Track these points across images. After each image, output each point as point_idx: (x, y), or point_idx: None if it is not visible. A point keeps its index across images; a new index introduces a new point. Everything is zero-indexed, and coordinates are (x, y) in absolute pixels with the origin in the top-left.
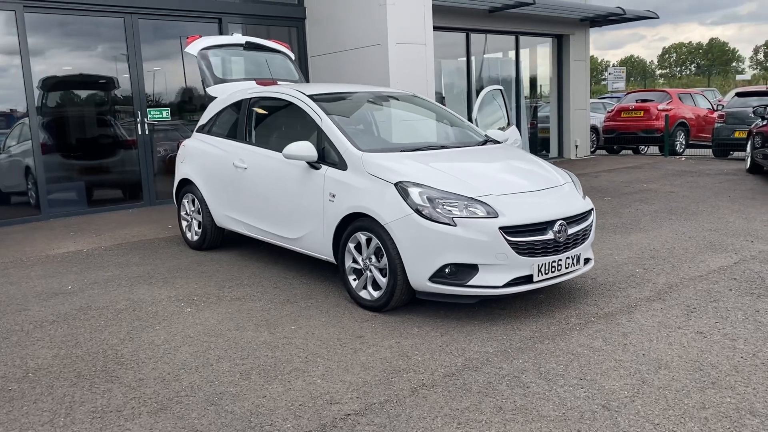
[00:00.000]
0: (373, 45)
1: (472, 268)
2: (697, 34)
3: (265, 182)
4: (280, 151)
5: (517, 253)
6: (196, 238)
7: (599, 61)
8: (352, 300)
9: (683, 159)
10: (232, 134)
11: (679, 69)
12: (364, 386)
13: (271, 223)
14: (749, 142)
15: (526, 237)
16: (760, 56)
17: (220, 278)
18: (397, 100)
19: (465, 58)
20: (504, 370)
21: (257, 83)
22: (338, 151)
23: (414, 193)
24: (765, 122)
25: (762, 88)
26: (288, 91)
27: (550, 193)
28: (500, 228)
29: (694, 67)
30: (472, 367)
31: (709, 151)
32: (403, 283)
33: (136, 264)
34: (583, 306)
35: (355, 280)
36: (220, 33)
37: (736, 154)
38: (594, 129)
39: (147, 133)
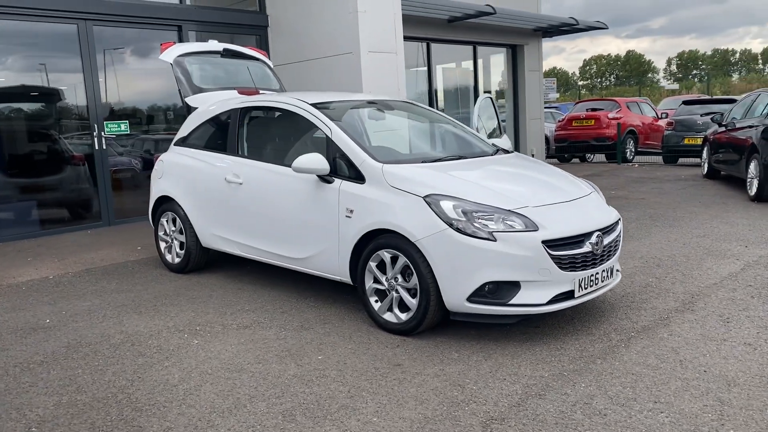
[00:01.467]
0: (344, 54)
1: (513, 286)
2: (614, 46)
3: (264, 198)
4: (282, 164)
5: (560, 267)
6: (177, 260)
7: None
8: (373, 323)
9: (636, 166)
10: (221, 147)
11: (599, 80)
12: (429, 423)
13: (271, 243)
14: (705, 149)
15: (566, 250)
16: (673, 68)
17: (217, 304)
18: (400, 108)
19: (426, 68)
20: (571, 397)
21: (239, 92)
22: (353, 164)
23: (447, 206)
24: (722, 129)
25: (706, 96)
26: (287, 99)
27: (580, 203)
28: (543, 242)
29: (614, 78)
30: (535, 394)
31: (657, 158)
32: (437, 304)
33: (115, 291)
34: (616, 320)
35: (377, 302)
36: (180, 41)
37: (684, 160)
38: (545, 138)
39: (104, 147)
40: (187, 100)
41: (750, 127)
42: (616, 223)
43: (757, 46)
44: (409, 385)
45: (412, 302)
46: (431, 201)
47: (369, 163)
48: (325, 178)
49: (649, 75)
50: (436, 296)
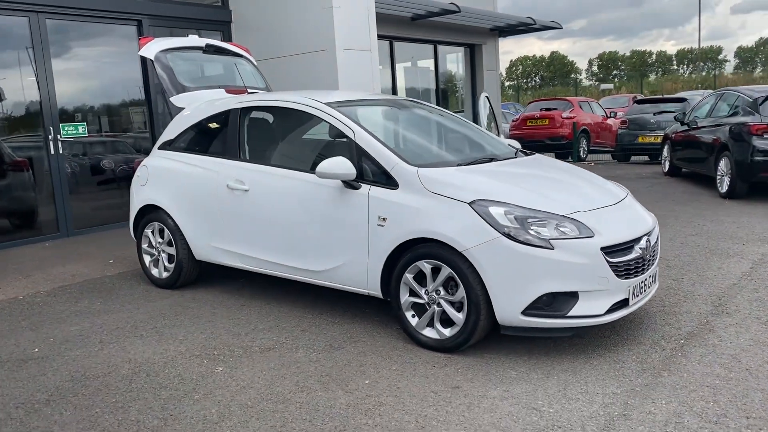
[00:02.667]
0: (318, 51)
1: (570, 297)
2: (537, 47)
3: (276, 207)
4: (297, 169)
5: (616, 275)
6: (166, 275)
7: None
8: (408, 339)
9: (592, 164)
10: (218, 150)
11: (525, 81)
12: None
13: (284, 255)
14: (665, 147)
15: (620, 257)
16: (595, 68)
17: (226, 324)
18: (413, 108)
19: (390, 67)
20: (658, 416)
21: (227, 91)
22: (383, 168)
23: (497, 212)
24: (684, 128)
25: (658, 96)
26: (298, 99)
27: (623, 207)
28: (601, 248)
29: (539, 78)
30: (619, 414)
31: (607, 156)
32: (486, 318)
33: (103, 312)
34: (657, 326)
35: (414, 316)
36: (139, 36)
37: (636, 158)
38: None
39: (61, 152)
40: (171, 99)
41: (718, 126)
42: (655, 226)
43: (670, 48)
44: (479, 411)
45: (458, 317)
46: (479, 207)
47: (402, 167)
48: (351, 184)
49: (572, 75)
50: (487, 310)
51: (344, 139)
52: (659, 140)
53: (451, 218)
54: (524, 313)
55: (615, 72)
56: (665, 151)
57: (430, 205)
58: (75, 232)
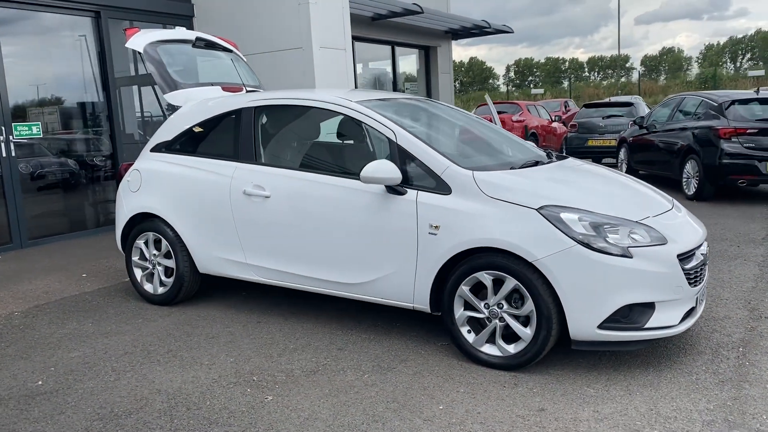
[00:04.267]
0: (293, 48)
1: (647, 308)
2: (456, 54)
3: (303, 214)
4: (328, 173)
5: (689, 283)
6: (162, 290)
7: None
8: (462, 356)
9: None
10: (228, 153)
11: None
12: None
13: (312, 266)
14: (622, 150)
15: (689, 264)
16: (512, 74)
17: (250, 344)
18: (435, 108)
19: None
20: None
21: (223, 89)
22: (432, 171)
23: (570, 219)
24: (644, 131)
25: (605, 100)
26: (326, 97)
27: (677, 212)
28: (677, 256)
29: (458, 83)
30: None
31: None
32: (557, 333)
33: (99, 334)
34: (705, 333)
35: (469, 332)
36: (98, 29)
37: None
38: None
39: (13, 154)
40: (166, 97)
41: (683, 129)
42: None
43: (580, 55)
44: None
45: (525, 332)
46: (548, 213)
47: (455, 170)
48: (395, 189)
49: (491, 81)
50: (559, 324)
51: (379, 140)
52: (609, 143)
53: (516, 226)
54: (601, 326)
55: (530, 78)
56: (622, 154)
57: (490, 211)
58: (30, 243)
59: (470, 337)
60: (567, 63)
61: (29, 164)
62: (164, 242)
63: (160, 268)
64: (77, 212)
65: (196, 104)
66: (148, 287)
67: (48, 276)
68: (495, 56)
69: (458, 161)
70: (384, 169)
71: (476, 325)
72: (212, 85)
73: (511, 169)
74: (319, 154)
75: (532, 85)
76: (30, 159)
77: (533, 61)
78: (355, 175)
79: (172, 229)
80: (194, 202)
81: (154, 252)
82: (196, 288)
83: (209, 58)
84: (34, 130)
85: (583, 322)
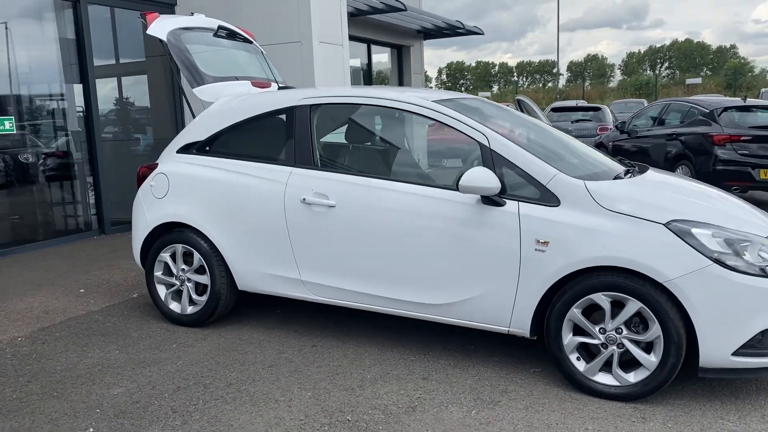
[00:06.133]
0: (291, 42)
1: None
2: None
3: (378, 227)
4: (407, 182)
5: None
6: (193, 309)
7: None
8: (569, 386)
9: None
10: (279, 156)
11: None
12: None
13: (387, 285)
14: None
15: None
16: (444, 77)
17: (318, 373)
18: (496, 108)
19: None
20: None
21: (253, 84)
22: (536, 180)
23: (704, 235)
24: (624, 136)
25: (573, 104)
26: (400, 96)
27: None
28: None
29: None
30: None
31: None
32: (683, 360)
33: (134, 364)
34: None
35: (579, 359)
36: (76, 18)
37: None
38: None
39: None
40: (195, 92)
41: (673, 135)
42: None
43: (508, 60)
44: None
45: (650, 360)
46: (678, 228)
47: (563, 179)
48: (493, 200)
49: (424, 83)
50: (686, 350)
51: (467, 145)
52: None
53: (642, 242)
54: (736, 353)
55: (462, 81)
56: None
57: (610, 226)
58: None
59: (580, 365)
60: (497, 67)
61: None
62: (197, 255)
63: (190, 285)
64: (45, 219)
65: (232, 101)
66: (174, 306)
67: (39, 292)
68: (426, 59)
69: (564, 169)
70: (483, 177)
71: (584, 351)
72: (243, 79)
73: (615, 179)
74: (391, 159)
75: (463, 89)
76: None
77: (464, 65)
78: (438, 181)
79: (208, 240)
80: (237, 211)
81: (183, 267)
82: (231, 307)
83: (233, 49)
84: (8, 125)
85: (718, 348)
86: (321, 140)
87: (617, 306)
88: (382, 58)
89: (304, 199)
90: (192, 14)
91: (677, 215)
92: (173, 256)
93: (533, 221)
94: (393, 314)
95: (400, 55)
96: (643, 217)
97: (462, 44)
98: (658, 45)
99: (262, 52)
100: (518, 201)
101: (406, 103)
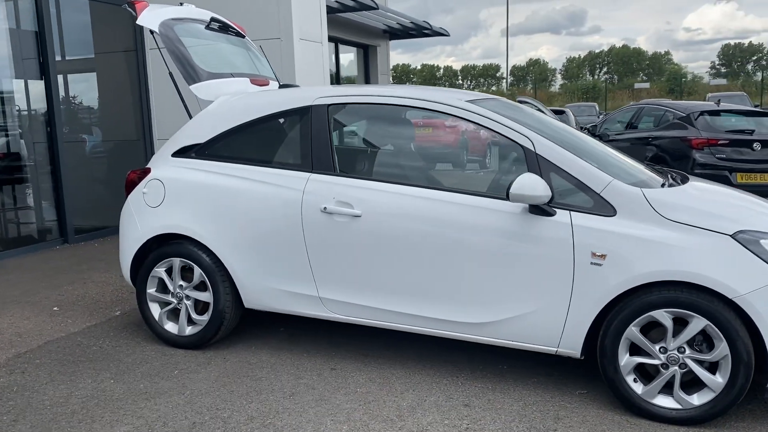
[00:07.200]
0: (271, 39)
1: None
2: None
3: (411, 238)
4: (443, 189)
5: None
6: (192, 329)
7: None
8: (622, 409)
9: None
10: (293, 160)
11: None
12: None
13: (419, 302)
14: None
15: None
16: (390, 79)
17: (354, 403)
18: (534, 110)
19: None
20: None
21: (252, 82)
22: (588, 187)
23: None
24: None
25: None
26: (432, 96)
27: None
28: None
29: None
30: None
31: None
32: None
33: (134, 396)
34: None
35: (635, 381)
36: (37, 11)
37: None
38: None
39: None
40: (192, 89)
41: (649, 138)
42: None
43: (452, 63)
44: None
45: (716, 381)
46: (746, 240)
47: (619, 187)
48: (543, 209)
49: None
50: (754, 370)
51: (505, 150)
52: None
53: (708, 255)
54: None
55: (408, 83)
56: None
57: (672, 237)
58: None
59: (638, 388)
60: (441, 70)
61: None
62: (197, 270)
63: (188, 303)
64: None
65: (237, 100)
66: (170, 327)
67: (5, 311)
68: (352, 60)
69: (619, 176)
70: (532, 185)
71: (640, 372)
72: (239, 76)
73: (662, 186)
74: (420, 164)
75: None
76: None
77: (410, 68)
78: (473, 188)
79: (211, 254)
80: (245, 221)
81: (181, 283)
82: (234, 327)
83: (228, 43)
84: None
85: None
86: (341, 143)
87: (678, 323)
88: (348, 57)
89: (325, 208)
90: (181, 4)
91: (743, 226)
92: (169, 271)
93: (588, 232)
94: (424, 334)
95: (367, 55)
96: (709, 228)
97: (407, 47)
98: (597, 50)
99: (260, 47)
100: (569, 210)
101: (438, 104)
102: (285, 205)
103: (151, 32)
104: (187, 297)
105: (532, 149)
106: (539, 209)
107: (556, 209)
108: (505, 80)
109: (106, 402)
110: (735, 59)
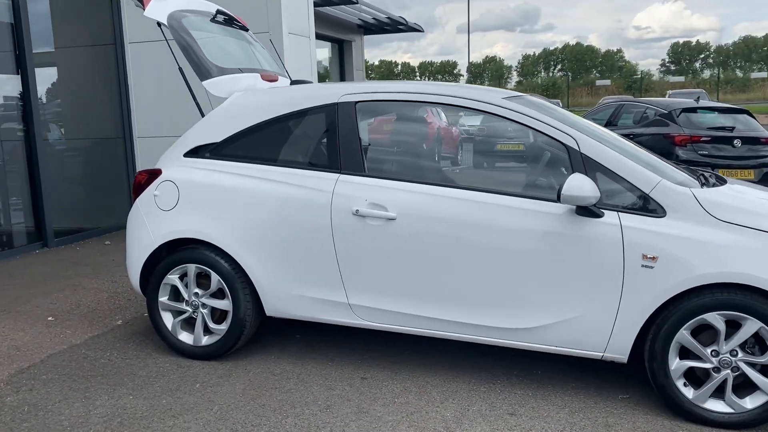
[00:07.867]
0: (259, 32)
1: None
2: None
3: (450, 241)
4: (483, 190)
5: None
6: (209, 339)
7: None
8: (670, 414)
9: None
10: (320, 161)
11: None
12: None
13: (459, 308)
14: None
15: None
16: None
17: (396, 416)
18: (550, 106)
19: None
20: None
21: (262, 78)
22: (637, 188)
23: None
24: None
25: None
26: (470, 94)
27: None
28: None
29: None
30: None
31: None
32: None
33: (159, 412)
34: None
35: (686, 385)
36: (15, 11)
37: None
38: None
39: None
40: (205, 85)
41: (630, 136)
42: None
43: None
44: None
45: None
46: None
47: (669, 187)
48: (591, 210)
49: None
50: None
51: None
52: (519, 148)
53: (761, 256)
54: None
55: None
56: None
57: (726, 238)
58: None
59: (688, 392)
60: (399, 66)
61: None
62: (215, 277)
63: (204, 311)
64: None
65: (252, 97)
66: (185, 337)
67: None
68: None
69: (667, 176)
70: (582, 186)
71: (689, 376)
72: (248, 71)
73: (703, 187)
74: (460, 164)
75: None
76: None
77: (368, 64)
78: (511, 190)
79: (230, 259)
80: (269, 225)
81: (197, 291)
82: (252, 335)
83: (235, 37)
84: None
85: None
86: (370, 142)
87: (730, 326)
88: (323, 53)
89: (357, 210)
90: None
91: None
92: (183, 278)
93: (638, 233)
94: (460, 340)
95: (342, 50)
96: (760, 228)
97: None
98: (552, 48)
99: (270, 41)
100: (617, 211)
101: (474, 101)
102: (312, 208)
103: (159, 25)
104: (204, 305)
105: (577, 148)
106: (587, 210)
107: (604, 210)
108: (463, 77)
109: (130, 421)
110: (684, 57)
